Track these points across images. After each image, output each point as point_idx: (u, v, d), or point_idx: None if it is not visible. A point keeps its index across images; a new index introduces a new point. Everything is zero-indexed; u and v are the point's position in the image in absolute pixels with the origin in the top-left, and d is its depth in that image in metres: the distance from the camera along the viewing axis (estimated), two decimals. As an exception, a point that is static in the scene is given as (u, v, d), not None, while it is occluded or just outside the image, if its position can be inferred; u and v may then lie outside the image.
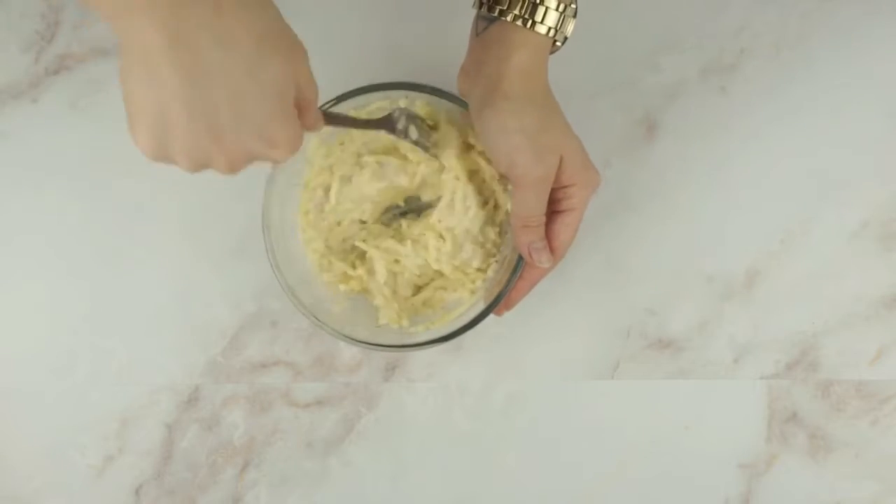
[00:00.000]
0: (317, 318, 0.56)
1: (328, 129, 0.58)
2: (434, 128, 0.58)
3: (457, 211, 0.58)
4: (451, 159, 0.58)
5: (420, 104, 0.58)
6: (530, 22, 0.50)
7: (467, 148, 0.59)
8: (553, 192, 0.53)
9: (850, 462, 0.62)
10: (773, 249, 0.63)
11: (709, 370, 0.63)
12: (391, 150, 0.60)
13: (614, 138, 0.63)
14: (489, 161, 0.59)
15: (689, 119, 0.63)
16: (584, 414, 0.63)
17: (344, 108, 0.57)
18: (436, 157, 0.58)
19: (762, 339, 0.63)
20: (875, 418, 0.63)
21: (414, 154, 0.59)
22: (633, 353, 0.63)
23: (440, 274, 0.60)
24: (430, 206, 0.60)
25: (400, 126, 0.55)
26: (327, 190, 0.60)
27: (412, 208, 0.61)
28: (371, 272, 0.60)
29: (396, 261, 0.60)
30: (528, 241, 0.54)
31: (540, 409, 0.63)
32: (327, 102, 0.56)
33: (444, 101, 0.56)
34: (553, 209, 0.54)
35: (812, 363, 0.63)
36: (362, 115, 0.59)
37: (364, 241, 0.60)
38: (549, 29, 0.50)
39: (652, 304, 0.63)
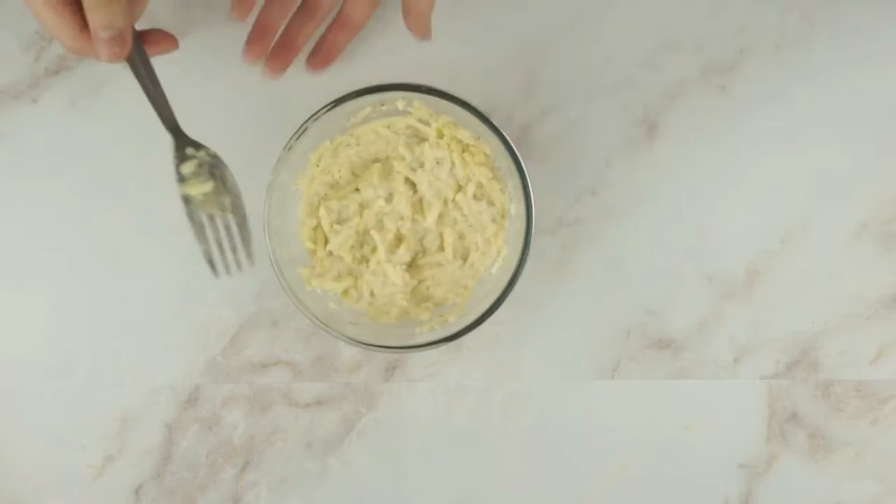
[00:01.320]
0: (318, 320, 0.56)
1: (321, 131, 0.58)
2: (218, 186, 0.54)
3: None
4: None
5: (417, 104, 0.58)
6: None
7: (464, 149, 0.59)
8: None
9: (850, 462, 0.62)
10: (773, 249, 0.63)
11: (709, 370, 0.63)
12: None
13: (614, 138, 0.63)
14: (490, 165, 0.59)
15: (689, 119, 0.63)
16: (584, 414, 0.63)
17: (343, 113, 0.57)
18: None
19: (762, 339, 0.63)
20: (875, 418, 0.63)
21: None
22: (633, 353, 0.63)
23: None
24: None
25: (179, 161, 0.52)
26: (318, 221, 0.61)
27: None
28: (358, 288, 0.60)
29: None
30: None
31: (540, 409, 0.63)
32: (326, 106, 0.56)
33: (442, 102, 0.56)
34: None
35: (812, 363, 0.63)
36: (357, 118, 0.59)
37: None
38: None
39: (652, 304, 0.63)
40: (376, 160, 0.61)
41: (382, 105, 0.58)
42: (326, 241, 0.60)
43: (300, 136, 0.56)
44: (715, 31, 0.64)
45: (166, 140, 0.63)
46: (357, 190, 0.61)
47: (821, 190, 0.63)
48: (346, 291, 0.60)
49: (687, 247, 0.63)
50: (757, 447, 0.63)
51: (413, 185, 0.60)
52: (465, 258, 0.61)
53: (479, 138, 0.59)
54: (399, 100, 0.58)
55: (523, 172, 0.56)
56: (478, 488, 0.63)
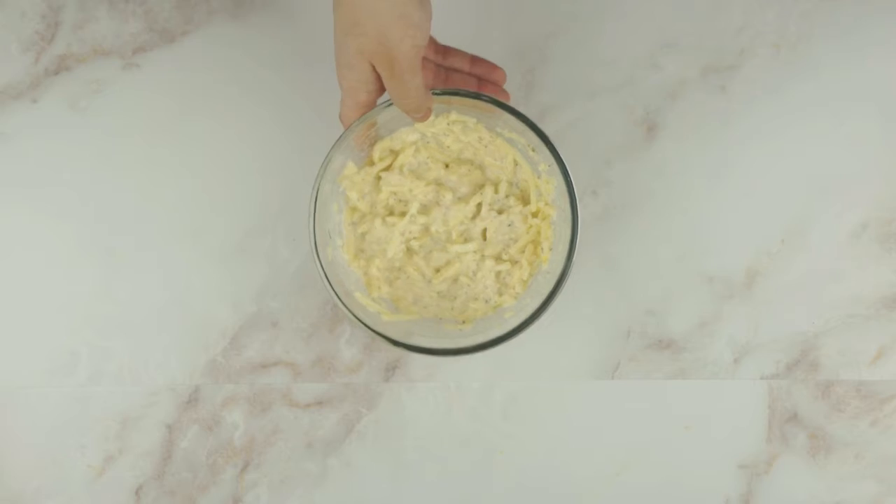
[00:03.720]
0: (373, 330, 0.56)
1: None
2: None
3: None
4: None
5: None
6: None
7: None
8: None
9: (850, 462, 0.62)
10: (773, 249, 0.63)
11: (709, 370, 0.63)
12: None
13: (614, 138, 0.63)
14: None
15: (689, 119, 0.63)
16: (584, 414, 0.63)
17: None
18: None
19: (762, 339, 0.63)
20: (875, 418, 0.63)
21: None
22: (633, 353, 0.63)
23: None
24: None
25: None
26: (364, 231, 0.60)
27: None
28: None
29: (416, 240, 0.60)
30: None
31: (540, 409, 0.63)
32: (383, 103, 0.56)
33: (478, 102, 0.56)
34: None
35: (812, 363, 0.63)
36: (395, 144, 0.59)
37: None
38: None
39: (652, 304, 0.63)
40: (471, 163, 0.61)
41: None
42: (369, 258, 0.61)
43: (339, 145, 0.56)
44: (715, 31, 0.64)
45: (166, 140, 0.64)
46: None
47: (821, 190, 0.63)
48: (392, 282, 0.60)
49: (687, 247, 0.63)
50: (757, 447, 0.63)
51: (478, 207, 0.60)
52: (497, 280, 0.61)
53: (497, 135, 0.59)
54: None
55: (576, 224, 0.56)
56: (478, 488, 0.63)
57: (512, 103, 0.57)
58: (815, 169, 0.63)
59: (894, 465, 0.62)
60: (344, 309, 0.56)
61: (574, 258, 0.55)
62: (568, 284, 0.63)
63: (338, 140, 0.56)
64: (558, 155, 0.56)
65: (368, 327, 0.56)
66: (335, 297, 0.56)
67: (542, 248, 0.60)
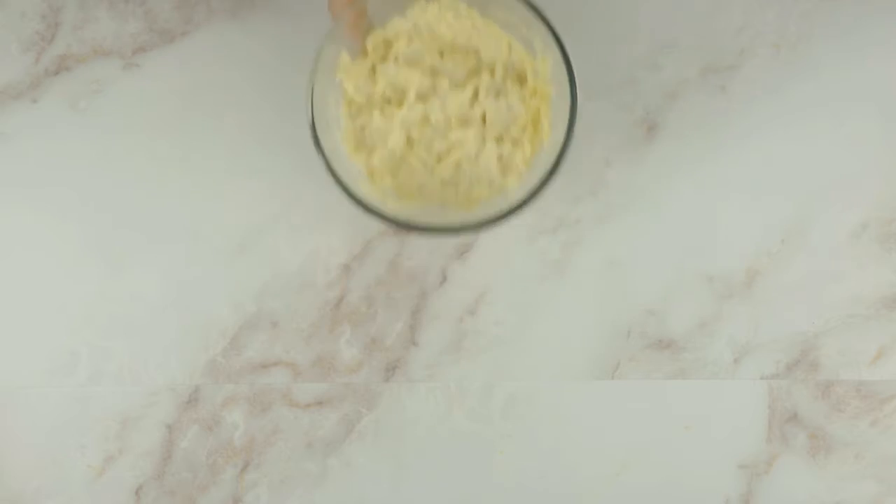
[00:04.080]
0: (371, 208, 0.55)
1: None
2: None
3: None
4: None
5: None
6: None
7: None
8: None
9: (850, 462, 0.62)
10: (773, 249, 0.63)
11: (709, 370, 0.63)
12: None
13: (614, 138, 0.63)
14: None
15: (689, 119, 0.63)
16: (584, 414, 0.63)
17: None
18: None
19: (762, 339, 0.63)
20: (875, 418, 0.63)
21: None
22: (633, 353, 0.63)
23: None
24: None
25: None
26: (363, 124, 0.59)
27: None
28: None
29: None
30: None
31: (540, 409, 0.63)
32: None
33: None
34: None
35: (812, 363, 0.63)
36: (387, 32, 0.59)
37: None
38: None
39: (652, 304, 0.63)
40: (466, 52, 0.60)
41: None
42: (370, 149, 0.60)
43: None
44: (715, 31, 0.64)
45: (166, 140, 0.64)
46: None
47: (821, 190, 0.63)
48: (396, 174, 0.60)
49: (687, 247, 0.63)
50: (757, 447, 0.63)
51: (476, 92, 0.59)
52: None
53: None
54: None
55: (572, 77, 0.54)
56: (478, 488, 0.63)
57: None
58: (814, 169, 0.63)
59: (894, 465, 0.62)
60: (347, 197, 0.54)
61: (574, 131, 0.54)
62: (568, 284, 0.63)
63: (329, 30, 0.55)
64: (552, 27, 0.55)
65: (373, 211, 0.54)
66: (339, 183, 0.55)
67: (542, 126, 0.59)
